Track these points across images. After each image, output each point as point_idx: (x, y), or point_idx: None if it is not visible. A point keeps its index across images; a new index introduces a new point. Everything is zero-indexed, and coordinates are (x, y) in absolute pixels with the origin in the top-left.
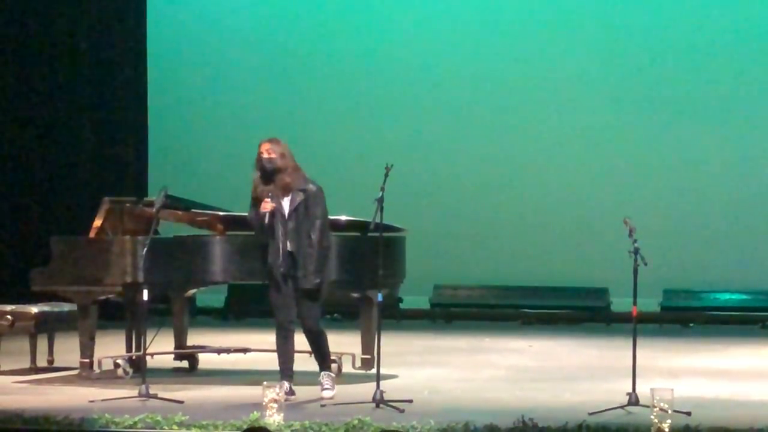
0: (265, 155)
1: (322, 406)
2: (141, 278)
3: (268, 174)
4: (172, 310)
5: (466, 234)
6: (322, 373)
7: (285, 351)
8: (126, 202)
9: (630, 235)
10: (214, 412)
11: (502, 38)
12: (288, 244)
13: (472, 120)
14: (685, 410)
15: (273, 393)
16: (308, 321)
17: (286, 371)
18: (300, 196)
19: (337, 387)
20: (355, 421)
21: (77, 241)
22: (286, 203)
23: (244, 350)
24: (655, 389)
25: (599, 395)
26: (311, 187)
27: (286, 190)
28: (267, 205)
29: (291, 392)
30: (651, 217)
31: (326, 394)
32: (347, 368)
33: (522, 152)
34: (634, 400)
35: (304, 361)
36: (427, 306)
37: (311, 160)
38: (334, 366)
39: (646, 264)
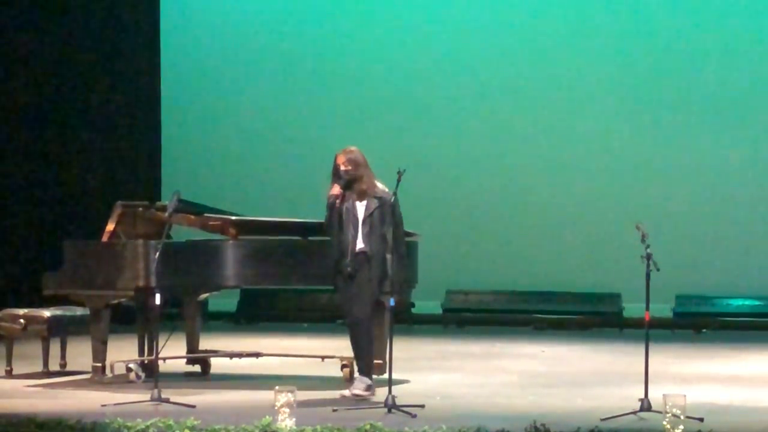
0: (342, 168)
1: (334, 410)
2: (153, 282)
3: (347, 183)
4: (184, 314)
5: (478, 239)
6: (358, 377)
7: (359, 346)
8: (139, 206)
9: (642, 240)
10: (226, 417)
11: (514, 44)
12: (358, 244)
13: (484, 125)
14: (697, 416)
15: (285, 397)
16: (355, 309)
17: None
18: (375, 203)
19: (347, 391)
20: (367, 426)
21: (90, 245)
22: (361, 208)
23: (256, 354)
24: (668, 395)
25: (611, 401)
26: (387, 195)
27: (362, 196)
28: (335, 189)
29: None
30: (663, 222)
31: (355, 391)
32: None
33: (534, 158)
34: (646, 405)
35: (310, 366)
36: (439, 311)
37: (324, 165)
38: (346, 370)
39: (658, 269)
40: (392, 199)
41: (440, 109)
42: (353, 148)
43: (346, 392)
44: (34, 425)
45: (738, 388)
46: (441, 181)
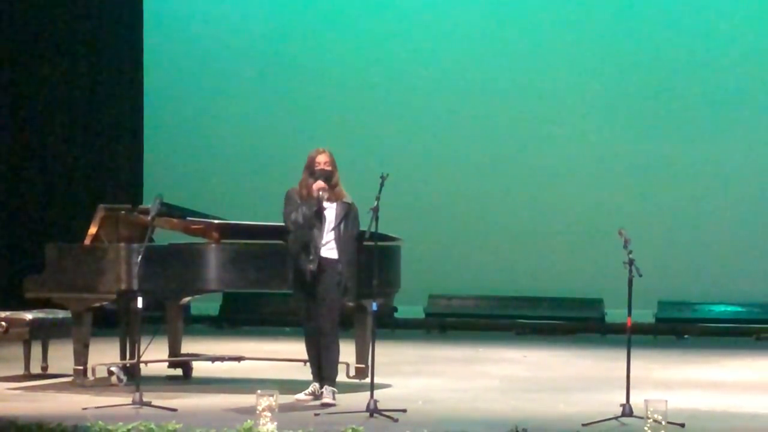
0: (322, 166)
1: (316, 415)
2: (135, 286)
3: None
4: (166, 317)
5: (461, 244)
6: (326, 387)
7: (313, 355)
8: (121, 209)
9: (625, 246)
10: (208, 420)
11: (499, 48)
12: (328, 249)
13: (467, 130)
14: (679, 422)
15: (267, 401)
16: (322, 321)
17: (316, 373)
18: (343, 209)
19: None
20: (349, 431)
21: (72, 248)
22: (331, 211)
23: (238, 358)
24: (649, 400)
25: (593, 406)
26: (353, 203)
27: (333, 199)
28: (319, 184)
29: (314, 394)
30: (646, 228)
31: (326, 400)
32: (341, 377)
33: (517, 163)
34: (628, 411)
35: (292, 370)
36: (421, 315)
37: None
38: None
39: (640, 275)
40: (375, 204)
41: (422, 114)
42: (328, 149)
43: (311, 400)
44: (14, 428)
45: (719, 394)
46: (423, 186)
